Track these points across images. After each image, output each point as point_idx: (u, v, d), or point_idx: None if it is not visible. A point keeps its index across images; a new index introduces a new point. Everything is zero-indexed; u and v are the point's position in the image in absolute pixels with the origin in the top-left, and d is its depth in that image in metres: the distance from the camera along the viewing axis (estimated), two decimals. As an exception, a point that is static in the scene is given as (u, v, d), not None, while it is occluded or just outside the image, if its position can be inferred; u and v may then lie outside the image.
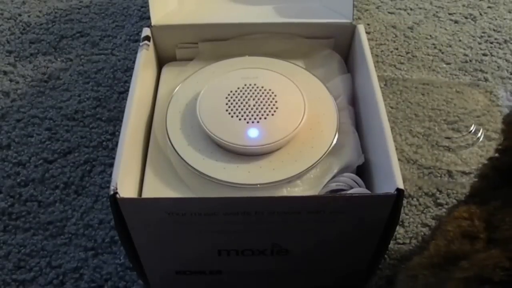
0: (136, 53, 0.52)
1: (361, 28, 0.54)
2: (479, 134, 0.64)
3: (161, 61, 0.57)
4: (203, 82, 0.51)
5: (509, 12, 0.82)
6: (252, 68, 0.52)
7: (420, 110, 0.67)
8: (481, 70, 0.72)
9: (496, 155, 0.42)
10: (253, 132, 0.46)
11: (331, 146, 0.47)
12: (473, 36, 0.78)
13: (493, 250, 0.33)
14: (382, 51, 0.75)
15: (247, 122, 0.47)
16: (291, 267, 0.48)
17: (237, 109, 0.48)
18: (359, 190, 0.45)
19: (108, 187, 0.40)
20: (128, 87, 0.48)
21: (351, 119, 0.51)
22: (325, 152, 0.47)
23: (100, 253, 0.54)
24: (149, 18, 0.55)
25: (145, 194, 0.46)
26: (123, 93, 0.69)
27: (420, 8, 0.83)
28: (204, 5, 0.59)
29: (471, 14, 0.81)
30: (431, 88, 0.70)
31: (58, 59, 0.74)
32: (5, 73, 0.72)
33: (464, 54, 0.75)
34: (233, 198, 0.42)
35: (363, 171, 0.48)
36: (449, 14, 0.81)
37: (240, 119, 0.47)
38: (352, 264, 0.48)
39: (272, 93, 0.49)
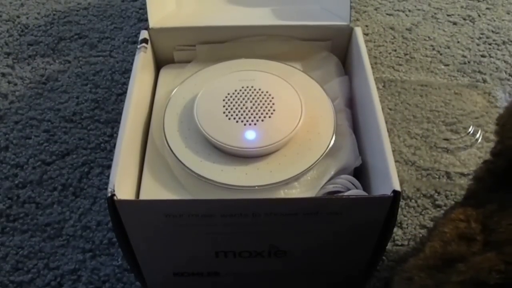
0: (134, 55, 0.52)
1: (358, 30, 0.54)
2: (477, 136, 0.64)
3: (159, 63, 0.57)
4: (201, 84, 0.51)
5: (508, 13, 0.82)
6: (250, 70, 0.52)
7: (419, 111, 0.67)
8: (479, 72, 0.72)
9: (491, 158, 0.42)
10: (250, 134, 0.46)
11: (328, 148, 0.47)
12: (472, 38, 0.78)
13: (488, 253, 0.33)
14: (380, 52, 0.75)
15: (245, 124, 0.47)
16: (289, 268, 0.48)
17: (234, 111, 0.48)
18: (356, 192, 0.45)
19: (106, 189, 0.40)
20: (126, 89, 0.48)
21: (348, 121, 0.51)
22: (322, 154, 0.47)
23: (98, 255, 0.54)
24: (147, 20, 0.55)
25: (143, 196, 0.46)
26: (121, 95, 0.69)
27: (419, 10, 0.83)
28: (202, 8, 0.60)
29: (469, 16, 0.81)
30: (429, 89, 0.70)
31: (56, 61, 0.74)
32: (3, 75, 0.72)
33: (462, 55, 0.75)
34: (231, 200, 0.42)
35: (360, 173, 0.48)
36: (448, 15, 0.82)
37: (237, 121, 0.47)
38: (349, 266, 0.48)
39: (270, 95, 0.49)
